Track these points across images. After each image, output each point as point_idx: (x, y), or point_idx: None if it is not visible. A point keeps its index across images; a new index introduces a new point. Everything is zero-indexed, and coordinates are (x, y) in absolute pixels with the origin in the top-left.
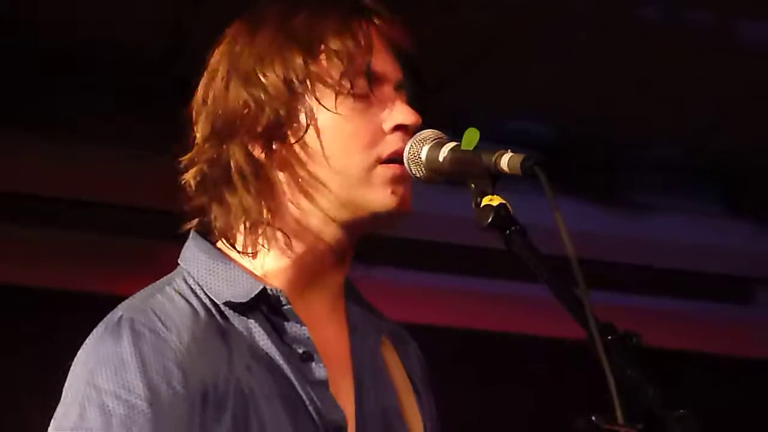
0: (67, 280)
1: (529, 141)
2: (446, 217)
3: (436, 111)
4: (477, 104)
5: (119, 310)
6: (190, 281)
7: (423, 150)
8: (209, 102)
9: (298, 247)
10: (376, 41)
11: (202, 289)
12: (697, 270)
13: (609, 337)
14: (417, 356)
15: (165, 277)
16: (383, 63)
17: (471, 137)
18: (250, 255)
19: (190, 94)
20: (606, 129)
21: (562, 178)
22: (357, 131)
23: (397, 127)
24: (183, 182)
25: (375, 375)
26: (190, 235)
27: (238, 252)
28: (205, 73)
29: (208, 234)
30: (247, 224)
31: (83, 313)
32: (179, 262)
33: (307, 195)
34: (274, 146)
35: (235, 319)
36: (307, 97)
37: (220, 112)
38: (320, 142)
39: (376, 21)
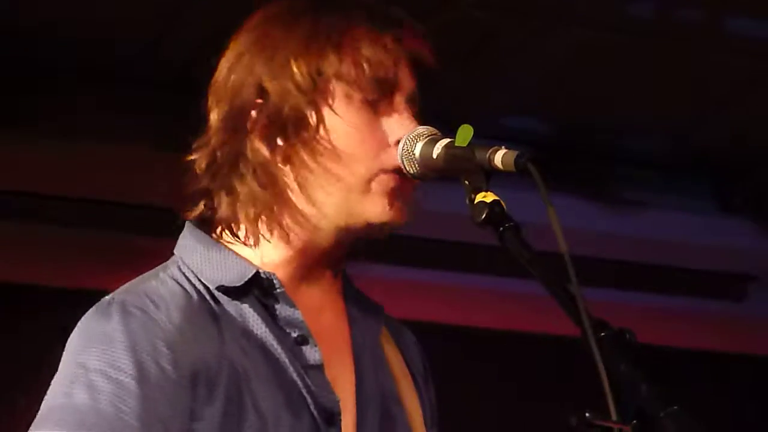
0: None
1: (522, 137)
2: (439, 214)
3: (430, 107)
4: (470, 100)
5: (112, 294)
6: (184, 269)
7: (417, 146)
8: (230, 86)
9: (296, 241)
10: (400, 52)
11: (196, 276)
12: (689, 267)
13: (602, 334)
14: (416, 348)
15: (160, 266)
16: (402, 74)
17: (465, 134)
18: (252, 245)
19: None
20: (598, 126)
21: (555, 175)
22: (364, 139)
23: None
24: (191, 163)
25: (375, 362)
26: (186, 226)
27: (241, 241)
28: (226, 57)
29: (204, 225)
30: (252, 213)
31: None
32: (174, 251)
33: (308, 194)
34: (285, 139)
35: (228, 305)
36: (326, 97)
37: (239, 97)
38: (329, 142)
39: (404, 32)
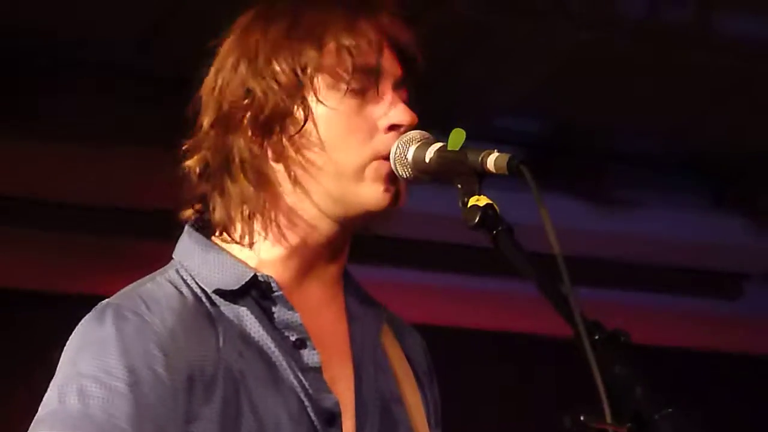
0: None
1: (516, 137)
2: (432, 216)
3: (422, 108)
4: (464, 101)
5: (108, 299)
6: (182, 272)
7: (409, 151)
8: (217, 90)
9: (293, 238)
10: (381, 38)
11: (194, 279)
12: (684, 266)
13: (596, 336)
14: (420, 345)
15: (158, 270)
16: (385, 60)
17: (457, 137)
18: (247, 245)
19: (188, 91)
20: (592, 125)
21: (548, 176)
22: (354, 127)
23: (393, 127)
24: (185, 169)
25: (375, 362)
26: (185, 230)
27: (236, 242)
28: (215, 62)
29: (203, 228)
30: (245, 213)
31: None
32: (173, 255)
33: (301, 189)
34: (273, 137)
35: (226, 308)
36: (310, 91)
37: (227, 99)
38: (318, 135)
39: (383, 18)
